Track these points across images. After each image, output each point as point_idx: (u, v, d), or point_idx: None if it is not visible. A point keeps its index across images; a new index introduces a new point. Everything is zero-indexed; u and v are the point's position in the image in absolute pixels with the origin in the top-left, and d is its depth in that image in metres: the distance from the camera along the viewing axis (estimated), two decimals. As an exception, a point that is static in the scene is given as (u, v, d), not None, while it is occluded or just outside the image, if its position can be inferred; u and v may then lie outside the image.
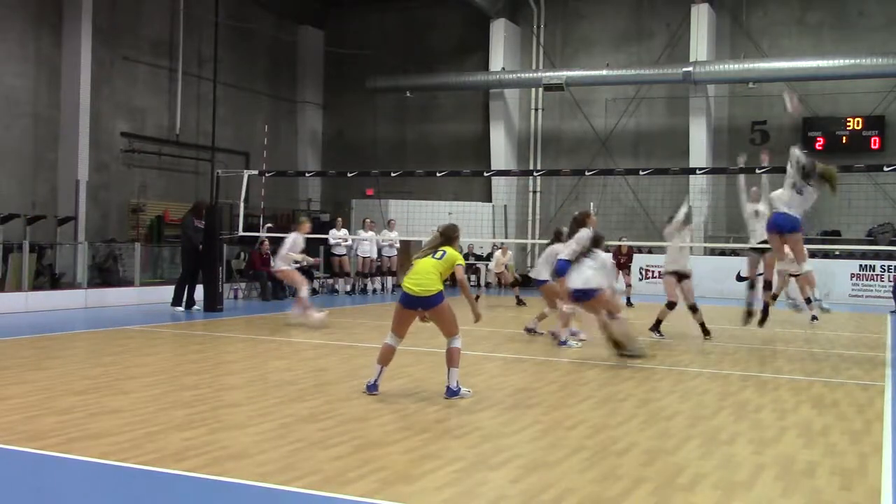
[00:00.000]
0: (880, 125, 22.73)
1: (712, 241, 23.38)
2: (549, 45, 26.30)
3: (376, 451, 5.85)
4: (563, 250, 11.56)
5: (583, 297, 9.99)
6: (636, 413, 7.37)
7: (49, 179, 19.76)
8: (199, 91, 23.62)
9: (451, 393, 7.72)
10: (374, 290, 21.78)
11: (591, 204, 22.11)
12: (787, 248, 10.49)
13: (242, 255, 20.19)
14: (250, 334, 12.81)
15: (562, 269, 11.47)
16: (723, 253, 22.63)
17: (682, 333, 13.19)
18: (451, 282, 8.19)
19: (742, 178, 13.06)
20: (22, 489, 5.01)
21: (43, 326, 12.91)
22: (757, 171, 12.96)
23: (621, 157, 24.86)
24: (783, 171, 11.02)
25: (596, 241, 10.19)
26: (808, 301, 14.48)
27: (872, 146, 22.64)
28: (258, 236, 18.77)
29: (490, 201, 25.83)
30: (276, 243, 20.09)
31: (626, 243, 18.86)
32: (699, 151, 23.52)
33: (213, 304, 15.72)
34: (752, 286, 12.19)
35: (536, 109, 26.58)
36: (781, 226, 10.39)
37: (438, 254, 7.88)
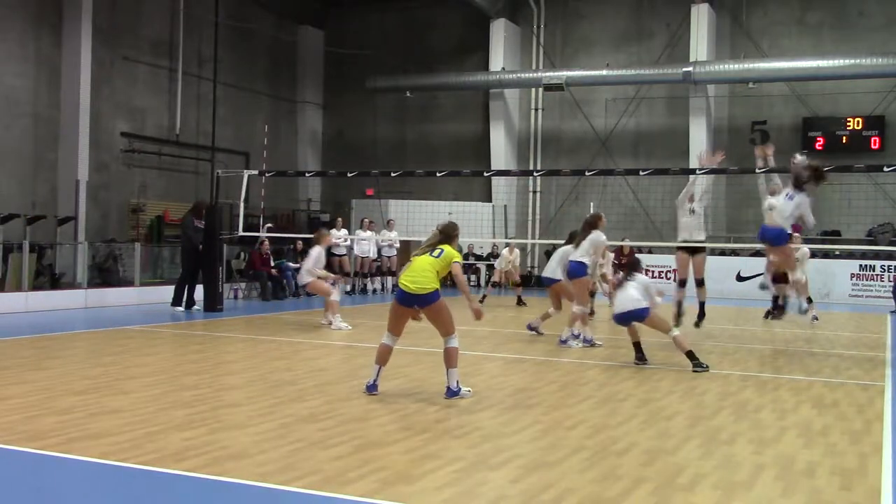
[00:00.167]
0: (880, 125, 22.74)
1: (712, 241, 23.35)
2: (549, 45, 26.30)
3: (376, 451, 5.85)
4: (575, 252, 11.60)
5: (631, 318, 9.97)
6: (636, 413, 7.37)
7: (49, 179, 19.76)
8: (199, 91, 23.63)
9: (452, 393, 7.71)
10: (374, 291, 21.79)
11: (591, 204, 22.10)
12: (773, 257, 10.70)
13: (242, 255, 20.19)
14: (250, 334, 12.80)
15: (574, 270, 11.52)
16: (723, 253, 22.64)
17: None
18: (452, 282, 8.19)
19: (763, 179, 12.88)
20: (22, 489, 5.01)
21: (43, 326, 12.91)
22: (756, 171, 12.94)
23: (621, 157, 24.87)
24: (784, 171, 11.06)
25: (634, 265, 10.23)
26: (810, 300, 14.50)
27: (872, 146, 22.64)
28: (258, 236, 18.77)
29: (490, 201, 25.83)
30: (276, 243, 20.27)
31: (628, 243, 18.85)
32: (699, 151, 23.48)
33: (213, 304, 15.72)
34: (775, 280, 12.26)
35: (536, 109, 26.59)
36: (767, 238, 10.85)
37: (436, 252, 7.86)
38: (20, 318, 14.01)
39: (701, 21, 23.65)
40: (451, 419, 6.98)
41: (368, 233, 21.20)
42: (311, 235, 14.83)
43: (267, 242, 19.03)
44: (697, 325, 12.51)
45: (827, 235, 22.33)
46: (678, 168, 17.06)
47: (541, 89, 25.44)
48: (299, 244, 20.52)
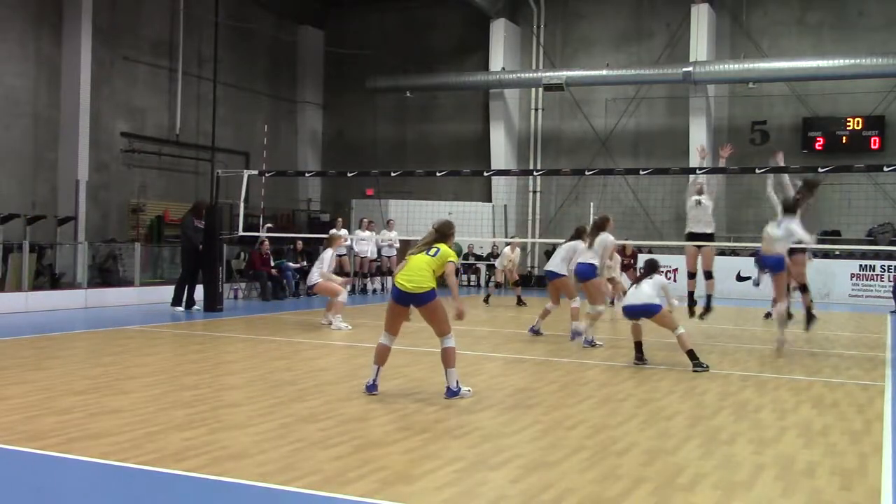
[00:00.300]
0: (880, 125, 22.72)
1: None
2: (549, 45, 26.30)
3: (376, 451, 5.85)
4: (586, 253, 11.64)
5: (641, 313, 9.98)
6: (636, 413, 7.37)
7: (49, 179, 19.76)
8: (199, 91, 23.63)
9: (452, 393, 7.71)
10: (374, 290, 21.79)
11: (591, 204, 22.11)
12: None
13: (242, 255, 20.19)
14: (250, 334, 12.80)
15: (585, 272, 11.56)
16: (722, 253, 22.61)
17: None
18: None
19: (784, 178, 12.81)
20: (22, 489, 5.01)
21: (43, 326, 12.91)
22: (756, 171, 12.96)
23: (621, 157, 24.86)
24: (784, 170, 11.10)
25: (653, 267, 10.26)
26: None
27: (872, 146, 22.63)
28: (258, 236, 18.76)
29: (490, 201, 25.83)
30: (276, 243, 20.26)
31: (631, 243, 18.89)
32: (699, 146, 23.48)
33: (213, 304, 15.72)
34: (804, 289, 12.40)
35: (536, 109, 26.58)
36: (768, 266, 11.26)
37: (432, 251, 7.84)
38: (20, 318, 14.01)
39: (701, 21, 23.63)
40: (451, 419, 6.98)
41: (367, 233, 21.20)
42: (311, 236, 14.95)
43: (267, 242, 19.03)
44: (702, 317, 12.56)
45: (827, 235, 22.33)
46: (678, 168, 17.08)
47: (541, 89, 25.42)
48: (299, 244, 20.54)
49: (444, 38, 27.35)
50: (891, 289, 20.19)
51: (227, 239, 17.80)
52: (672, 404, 7.82)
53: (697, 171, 13.03)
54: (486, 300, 19.34)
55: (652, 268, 10.27)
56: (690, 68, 23.11)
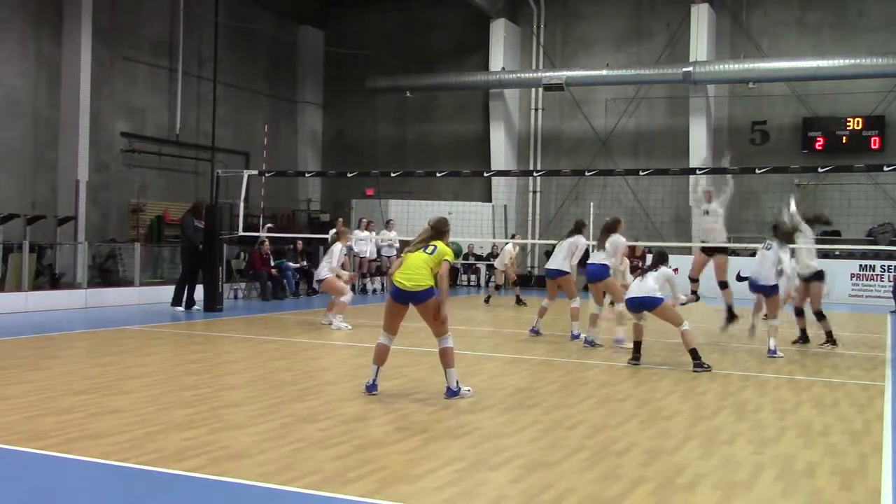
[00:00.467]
0: (880, 125, 22.72)
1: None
2: (549, 45, 26.29)
3: (376, 451, 5.85)
4: (597, 254, 11.63)
5: (643, 306, 9.94)
6: (636, 413, 7.37)
7: (49, 179, 19.76)
8: (199, 91, 23.63)
9: (452, 393, 7.70)
10: (374, 291, 21.79)
11: (591, 204, 22.09)
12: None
13: (242, 255, 20.19)
14: (250, 334, 12.80)
15: (598, 273, 11.53)
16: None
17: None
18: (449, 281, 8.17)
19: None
20: (22, 489, 5.01)
21: (43, 326, 12.91)
22: (757, 171, 12.97)
23: (621, 157, 24.86)
24: (784, 170, 11.13)
25: (662, 258, 10.22)
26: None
27: (872, 146, 22.63)
28: (258, 236, 18.76)
29: (490, 201, 25.83)
30: (276, 243, 20.26)
31: (640, 244, 18.90)
32: (699, 151, 23.49)
33: (213, 304, 15.72)
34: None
35: (536, 109, 26.58)
36: (760, 289, 11.47)
37: (430, 248, 7.81)
38: (20, 318, 14.01)
39: (701, 21, 23.63)
40: (451, 419, 6.98)
41: (366, 233, 21.20)
42: (312, 236, 14.93)
43: (267, 242, 19.02)
44: (724, 328, 12.50)
45: (827, 235, 22.31)
46: (678, 169, 17.09)
47: (541, 89, 25.42)
48: (299, 244, 20.53)
49: (443, 38, 27.35)
50: (891, 289, 20.19)
51: (227, 239, 17.79)
52: (672, 404, 7.82)
53: (697, 172, 13.03)
54: (486, 300, 19.35)
55: (660, 259, 10.19)
56: (690, 68, 23.11)
